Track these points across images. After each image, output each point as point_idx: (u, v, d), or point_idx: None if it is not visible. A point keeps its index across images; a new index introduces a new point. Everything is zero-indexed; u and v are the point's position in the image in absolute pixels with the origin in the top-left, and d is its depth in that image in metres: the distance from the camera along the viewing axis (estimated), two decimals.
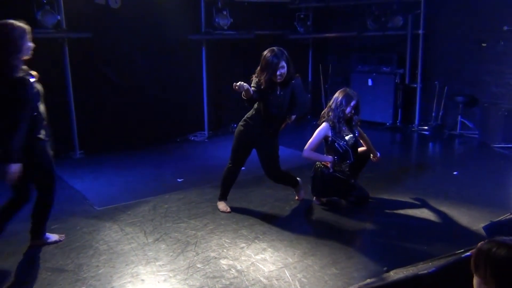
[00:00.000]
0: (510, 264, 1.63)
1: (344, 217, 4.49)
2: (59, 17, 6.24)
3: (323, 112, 4.78)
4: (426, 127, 8.08)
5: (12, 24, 3.34)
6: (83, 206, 4.83)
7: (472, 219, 4.30)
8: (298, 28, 8.79)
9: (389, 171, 5.91)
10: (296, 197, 4.88)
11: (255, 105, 4.46)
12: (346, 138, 4.64)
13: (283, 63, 4.19)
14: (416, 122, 8.33)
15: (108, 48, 6.84)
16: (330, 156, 4.63)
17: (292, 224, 4.32)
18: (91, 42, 6.55)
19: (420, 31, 8.02)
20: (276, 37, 8.07)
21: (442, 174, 5.89)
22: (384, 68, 8.49)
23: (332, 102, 4.66)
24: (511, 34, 6.70)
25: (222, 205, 4.62)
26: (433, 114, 8.03)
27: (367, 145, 5.02)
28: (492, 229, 3.49)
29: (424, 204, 4.73)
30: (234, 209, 4.61)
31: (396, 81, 8.35)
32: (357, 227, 4.32)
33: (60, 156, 6.51)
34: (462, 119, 7.70)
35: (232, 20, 7.62)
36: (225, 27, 7.61)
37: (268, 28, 8.36)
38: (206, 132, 8.03)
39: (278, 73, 4.20)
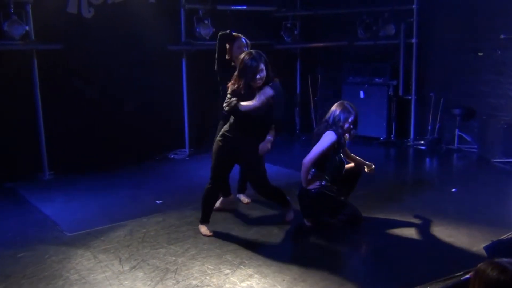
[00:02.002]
0: (499, 286, 1.68)
1: (336, 240, 4.49)
2: (27, 28, 6.22)
3: (317, 128, 4.78)
4: (422, 142, 8.16)
5: None
6: (53, 232, 4.75)
7: (472, 239, 4.32)
8: (285, 38, 8.88)
9: (384, 189, 5.94)
10: (285, 219, 4.87)
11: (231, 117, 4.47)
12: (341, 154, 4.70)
13: (262, 66, 4.26)
14: (411, 136, 8.41)
15: (81, 60, 6.82)
16: (317, 182, 4.61)
17: (281, 248, 4.30)
18: (62, 54, 6.53)
19: (414, 40, 8.15)
20: (262, 47, 8.11)
21: (440, 191, 5.93)
22: (377, 79, 8.59)
23: (329, 117, 4.67)
24: (509, 42, 6.84)
25: (203, 229, 4.59)
26: (429, 128, 8.12)
27: (353, 159, 5.03)
28: (493, 249, 3.51)
29: (421, 224, 4.75)
30: (217, 233, 4.58)
31: (389, 93, 8.45)
32: (350, 250, 4.31)
33: (27, 177, 6.47)
34: (459, 133, 7.80)
35: (214, 29, 7.66)
36: (207, 37, 7.65)
37: (253, 37, 8.36)
38: (187, 150, 8.01)
39: (257, 76, 4.25)
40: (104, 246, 4.36)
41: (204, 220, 4.63)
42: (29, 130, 6.48)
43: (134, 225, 4.85)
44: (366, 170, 5.02)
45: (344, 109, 4.63)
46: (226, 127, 4.51)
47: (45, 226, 4.94)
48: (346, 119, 4.61)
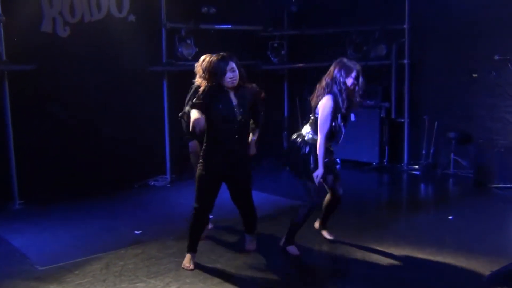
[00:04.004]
0: None
1: (326, 269, 4.46)
2: None
3: (313, 95, 4.72)
4: (416, 167, 8.23)
5: None
6: (22, 266, 4.66)
7: (471, 270, 4.33)
8: (272, 58, 8.96)
9: (377, 217, 5.95)
10: (246, 247, 4.84)
11: (205, 137, 4.40)
12: (344, 113, 4.57)
13: (233, 65, 4.25)
14: (405, 161, 8.49)
15: (55, 82, 6.81)
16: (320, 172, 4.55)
17: (267, 280, 4.26)
18: (35, 76, 6.51)
19: (406, 61, 8.29)
20: (247, 68, 8.18)
21: (436, 219, 5.96)
22: (368, 102, 8.65)
23: (326, 77, 4.60)
24: (503, 63, 6.99)
25: (186, 260, 4.50)
26: (423, 152, 8.20)
27: None
28: (495, 279, 3.52)
29: (417, 254, 4.75)
30: (201, 264, 4.53)
31: (382, 115, 8.54)
32: (340, 281, 4.29)
33: None
34: (455, 157, 7.88)
35: (197, 49, 7.73)
36: (190, 57, 7.70)
37: (238, 58, 8.49)
38: (168, 176, 7.97)
39: (228, 75, 4.22)
40: (78, 281, 4.28)
41: (190, 249, 4.52)
42: None
43: (111, 257, 4.78)
44: None
45: (343, 66, 4.56)
46: (202, 151, 4.43)
47: (13, 259, 4.85)
48: (347, 74, 4.52)
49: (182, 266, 4.47)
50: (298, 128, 9.22)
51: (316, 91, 4.71)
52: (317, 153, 4.57)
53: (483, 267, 4.28)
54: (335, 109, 4.53)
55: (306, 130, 4.77)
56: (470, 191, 7.29)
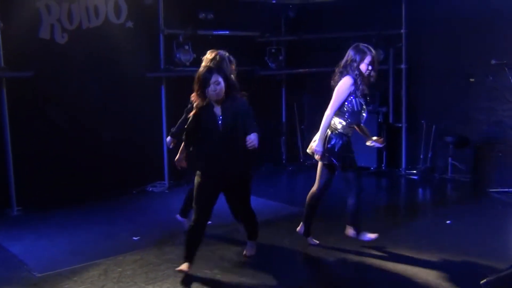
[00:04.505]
0: None
1: (326, 275, 4.46)
2: None
3: (332, 80, 4.78)
4: (414, 171, 8.24)
5: None
6: (20, 273, 4.65)
7: (469, 275, 4.34)
8: (269, 64, 8.97)
9: (375, 221, 5.94)
10: (246, 253, 4.85)
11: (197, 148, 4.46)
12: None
13: (219, 79, 4.23)
14: (403, 165, 8.49)
15: (53, 88, 6.82)
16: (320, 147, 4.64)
17: (266, 285, 4.25)
18: (33, 81, 6.51)
19: (403, 66, 8.31)
20: (245, 73, 8.21)
21: (434, 223, 5.96)
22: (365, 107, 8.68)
23: (344, 60, 4.72)
24: (500, 68, 7.01)
25: (183, 265, 4.39)
26: (421, 157, 8.21)
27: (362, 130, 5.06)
28: (492, 285, 3.52)
29: (415, 258, 4.75)
30: (199, 270, 4.52)
31: (379, 120, 8.55)
32: (337, 286, 4.28)
33: None
34: (453, 162, 7.89)
35: (195, 55, 7.72)
36: (187, 63, 7.71)
37: (235, 63, 8.51)
38: (166, 182, 7.96)
39: (212, 88, 4.21)
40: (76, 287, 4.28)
41: (187, 259, 4.42)
42: None
43: (109, 264, 4.77)
44: (368, 143, 5.06)
45: (359, 50, 4.68)
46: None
47: (11, 266, 4.84)
48: (362, 59, 4.63)
49: (177, 269, 4.40)
50: (296, 133, 9.38)
51: (334, 76, 4.82)
52: (340, 139, 4.67)
53: (481, 271, 4.28)
54: (352, 90, 4.64)
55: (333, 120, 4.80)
56: (468, 195, 7.30)
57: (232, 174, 4.41)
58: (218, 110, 4.32)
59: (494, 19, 7.30)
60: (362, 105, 4.76)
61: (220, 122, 4.30)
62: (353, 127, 4.86)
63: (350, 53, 4.74)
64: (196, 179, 4.43)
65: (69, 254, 5.10)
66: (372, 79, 4.81)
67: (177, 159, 5.10)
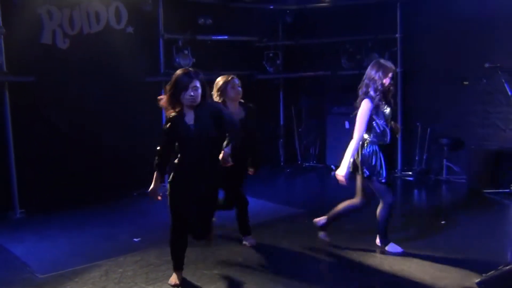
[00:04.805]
0: None
1: (324, 275, 4.46)
2: None
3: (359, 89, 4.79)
4: (409, 173, 8.25)
5: None
6: (23, 274, 4.65)
7: (464, 274, 4.33)
8: (267, 68, 9.00)
9: (372, 222, 5.94)
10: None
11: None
12: (386, 112, 4.74)
13: (197, 84, 3.96)
14: (399, 167, 8.50)
15: (55, 92, 6.82)
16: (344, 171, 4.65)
17: (264, 286, 4.25)
18: (35, 86, 6.52)
19: (398, 70, 8.31)
20: (243, 78, 8.21)
21: (429, 223, 5.96)
22: None
23: (364, 78, 4.74)
24: (493, 71, 7.03)
25: (172, 277, 4.31)
26: (417, 158, 8.22)
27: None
28: (486, 284, 3.53)
29: (411, 258, 4.75)
30: (197, 271, 4.52)
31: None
32: (335, 285, 4.29)
33: None
34: (447, 163, 7.91)
35: (194, 60, 7.75)
36: (187, 67, 7.71)
37: (234, 68, 8.49)
38: (166, 185, 7.92)
39: (189, 93, 3.93)
40: None
41: (176, 267, 4.30)
42: (0, 166, 6.41)
43: (110, 265, 4.77)
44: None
45: (380, 66, 4.69)
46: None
47: (14, 267, 4.83)
48: (385, 75, 4.64)
49: (168, 282, 4.29)
50: (293, 136, 9.39)
51: (358, 94, 4.82)
52: (373, 155, 4.70)
53: (475, 271, 4.28)
54: (375, 110, 4.66)
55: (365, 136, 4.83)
56: (463, 196, 7.31)
57: (198, 187, 4.12)
58: (190, 116, 4.03)
59: (487, 24, 7.32)
60: (385, 125, 4.74)
61: (192, 129, 4.01)
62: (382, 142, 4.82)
63: (371, 71, 4.71)
64: (168, 188, 4.26)
65: (70, 256, 5.09)
66: (392, 92, 4.83)
67: (151, 190, 4.34)
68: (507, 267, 3.45)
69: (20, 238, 5.68)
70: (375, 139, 4.75)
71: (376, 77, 4.67)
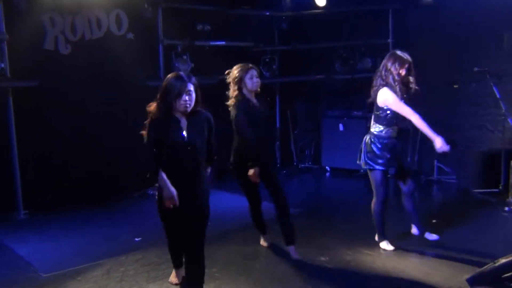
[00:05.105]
0: None
1: (319, 273, 4.46)
2: (3, 65, 6.22)
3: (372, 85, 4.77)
4: None
5: None
6: (27, 273, 4.65)
7: (455, 271, 4.35)
8: (264, 72, 8.98)
9: (366, 222, 5.95)
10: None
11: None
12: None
13: (191, 87, 3.60)
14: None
15: (58, 96, 6.80)
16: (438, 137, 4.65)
17: (261, 282, 4.25)
18: (38, 91, 6.50)
19: None
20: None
21: (421, 222, 5.96)
22: (355, 112, 8.72)
23: (381, 69, 4.69)
24: (482, 75, 7.05)
25: (172, 275, 4.33)
26: (408, 160, 8.22)
27: None
28: (476, 281, 3.54)
29: (403, 256, 4.77)
30: None
31: (368, 125, 8.53)
32: (330, 283, 4.29)
33: (0, 217, 6.32)
34: (438, 164, 7.92)
35: (193, 65, 7.74)
36: (186, 73, 7.71)
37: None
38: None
39: (184, 98, 3.55)
40: (80, 287, 4.26)
41: (175, 265, 4.27)
42: (4, 168, 6.39)
43: (112, 264, 4.76)
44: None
45: (397, 58, 4.64)
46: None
47: (18, 267, 4.82)
48: (401, 66, 4.61)
49: (169, 281, 4.30)
50: (289, 138, 9.40)
51: (373, 85, 4.79)
52: (375, 143, 4.72)
53: (466, 267, 4.31)
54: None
55: (372, 125, 4.84)
56: (453, 196, 7.33)
57: (187, 198, 3.69)
58: (183, 123, 3.67)
59: (476, 30, 7.35)
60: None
61: (185, 136, 3.65)
62: (396, 131, 4.81)
63: (387, 62, 4.68)
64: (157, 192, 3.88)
65: (73, 255, 5.09)
66: (412, 86, 4.77)
67: (167, 195, 3.70)
68: (496, 264, 3.46)
69: (23, 239, 5.67)
70: (389, 126, 4.72)
71: (392, 69, 4.63)
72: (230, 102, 4.69)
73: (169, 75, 3.72)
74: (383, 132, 4.75)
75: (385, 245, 4.90)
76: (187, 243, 3.76)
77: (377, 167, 4.77)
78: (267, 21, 8.99)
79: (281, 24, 9.07)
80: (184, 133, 3.64)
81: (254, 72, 4.73)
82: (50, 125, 6.76)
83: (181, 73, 3.73)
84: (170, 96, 3.59)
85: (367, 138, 4.89)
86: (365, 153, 4.81)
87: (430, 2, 7.71)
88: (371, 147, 4.77)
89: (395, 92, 4.64)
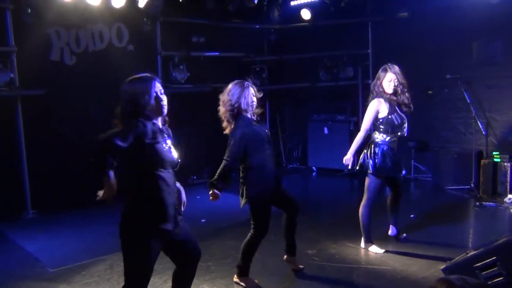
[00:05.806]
0: None
1: (308, 265, 4.45)
2: (12, 75, 6.17)
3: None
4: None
5: None
6: (35, 269, 4.60)
7: (431, 261, 4.37)
8: (254, 81, 8.95)
9: (349, 218, 5.96)
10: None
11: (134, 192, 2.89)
12: (391, 118, 4.61)
13: (161, 86, 2.84)
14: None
15: (63, 104, 6.76)
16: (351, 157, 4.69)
17: (257, 278, 4.24)
18: (45, 99, 6.46)
19: (370, 81, 8.36)
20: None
21: (399, 217, 5.98)
22: (339, 117, 8.76)
23: (374, 82, 4.70)
24: (454, 81, 7.11)
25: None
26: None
27: None
28: (450, 270, 3.55)
29: (383, 248, 4.77)
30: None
31: (351, 128, 8.60)
32: (320, 275, 4.29)
33: (11, 217, 6.26)
34: (415, 163, 7.96)
35: (189, 74, 7.74)
36: (182, 81, 7.72)
37: (224, 81, 8.48)
38: None
39: (163, 102, 2.81)
40: (85, 281, 4.23)
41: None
42: (13, 171, 6.34)
43: (114, 259, 4.72)
44: None
45: (380, 71, 4.64)
46: (128, 212, 3.04)
47: (27, 263, 4.78)
48: (382, 79, 4.58)
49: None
50: (278, 141, 9.39)
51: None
52: (374, 150, 4.71)
53: (441, 258, 4.32)
54: (381, 109, 4.62)
55: (373, 133, 4.83)
56: (429, 192, 7.37)
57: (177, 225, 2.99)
58: (167, 135, 3.02)
59: (448, 40, 7.41)
60: (396, 118, 4.67)
61: (174, 152, 2.98)
62: (394, 139, 4.76)
63: (377, 75, 4.68)
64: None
65: (79, 251, 5.04)
66: (405, 93, 4.69)
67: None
68: (468, 255, 3.49)
69: (32, 236, 5.61)
70: (386, 134, 4.70)
71: (379, 82, 4.65)
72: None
73: (127, 81, 3.16)
74: (384, 139, 4.73)
75: (375, 249, 4.72)
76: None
77: (376, 172, 4.73)
78: (257, 34, 9.01)
79: (270, 36, 9.11)
80: (172, 148, 3.13)
81: (250, 90, 4.19)
82: (56, 130, 6.71)
83: (142, 74, 3.06)
84: (145, 100, 2.95)
85: (371, 145, 4.84)
86: (365, 158, 4.78)
87: (406, 15, 7.77)
88: (373, 154, 4.75)
89: (381, 103, 4.60)
